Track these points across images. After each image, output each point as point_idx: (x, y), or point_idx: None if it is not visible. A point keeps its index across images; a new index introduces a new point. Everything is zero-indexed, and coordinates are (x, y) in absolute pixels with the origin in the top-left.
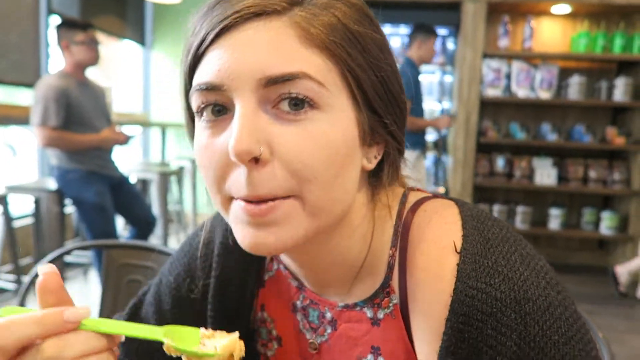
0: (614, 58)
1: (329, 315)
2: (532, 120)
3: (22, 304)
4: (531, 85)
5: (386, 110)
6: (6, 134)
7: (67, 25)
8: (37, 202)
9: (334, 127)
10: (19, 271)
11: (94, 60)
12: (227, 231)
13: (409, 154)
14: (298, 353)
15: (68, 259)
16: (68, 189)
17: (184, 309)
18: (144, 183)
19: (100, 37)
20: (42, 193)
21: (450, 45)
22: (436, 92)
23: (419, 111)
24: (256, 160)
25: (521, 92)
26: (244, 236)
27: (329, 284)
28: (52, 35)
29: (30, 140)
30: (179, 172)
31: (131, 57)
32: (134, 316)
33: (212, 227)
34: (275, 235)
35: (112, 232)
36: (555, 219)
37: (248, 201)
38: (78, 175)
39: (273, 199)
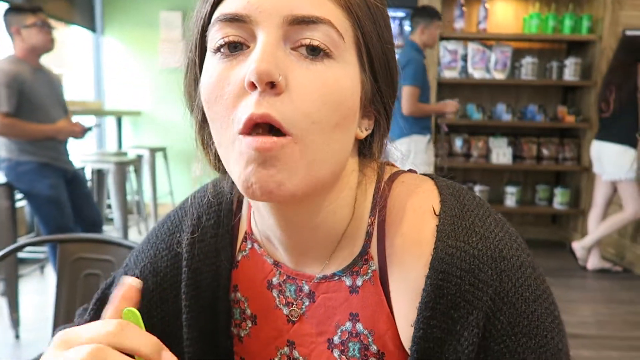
0: (564, 39)
1: (306, 288)
2: (488, 101)
3: None
4: (486, 66)
5: (384, 82)
6: None
7: (15, 10)
8: None
9: (344, 78)
10: None
11: (49, 44)
12: (198, 218)
13: (421, 139)
14: (274, 328)
15: (22, 255)
16: (20, 182)
17: (151, 302)
18: (100, 174)
19: (49, 22)
20: None
21: (408, 27)
22: None
23: (425, 97)
24: (272, 85)
25: (477, 73)
26: (251, 173)
27: (309, 253)
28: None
29: None
30: (137, 162)
31: (81, 44)
32: (100, 312)
33: (179, 218)
34: (279, 177)
35: (68, 226)
36: (511, 196)
37: (253, 136)
38: (30, 167)
39: (275, 134)
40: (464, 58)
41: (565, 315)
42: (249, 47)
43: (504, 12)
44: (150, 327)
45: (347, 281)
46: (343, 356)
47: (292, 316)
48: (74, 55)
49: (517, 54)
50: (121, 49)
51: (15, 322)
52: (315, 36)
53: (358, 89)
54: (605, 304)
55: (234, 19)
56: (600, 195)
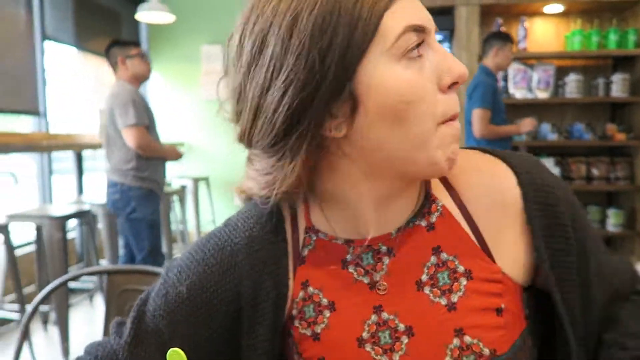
0: (609, 54)
1: (383, 248)
2: None
3: (25, 332)
4: (528, 85)
5: None
6: (7, 162)
7: (119, 43)
8: (38, 229)
9: None
10: (23, 300)
11: (148, 72)
12: (251, 229)
13: None
14: (357, 303)
15: (73, 285)
16: (127, 206)
17: (198, 320)
18: None
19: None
20: (44, 220)
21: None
22: None
23: (500, 119)
24: None
25: (519, 93)
26: (454, 152)
27: (390, 216)
28: (48, 61)
29: (30, 168)
30: (181, 192)
31: None
32: (139, 331)
33: (226, 233)
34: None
35: (160, 248)
36: None
37: (451, 120)
38: (140, 193)
39: None
40: (505, 78)
41: None
42: (420, 54)
43: (543, 30)
44: (194, 346)
45: (422, 223)
46: (435, 289)
47: (374, 280)
48: None
49: (561, 72)
50: (165, 82)
51: (65, 351)
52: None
53: None
54: None
55: (420, 30)
56: None
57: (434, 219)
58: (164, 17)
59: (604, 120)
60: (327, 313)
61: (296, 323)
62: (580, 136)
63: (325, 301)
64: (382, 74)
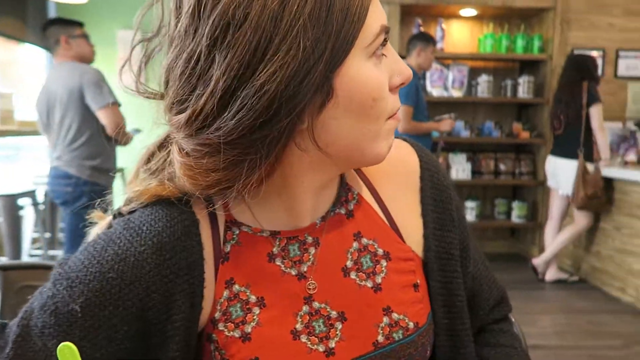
0: (517, 58)
1: (310, 239)
2: None
3: None
4: (444, 84)
5: None
6: None
7: (59, 22)
8: None
9: None
10: None
11: (93, 55)
12: (159, 234)
13: None
14: (287, 296)
15: None
16: (77, 200)
17: (94, 342)
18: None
19: None
20: None
21: None
22: None
23: (422, 116)
24: None
25: (436, 91)
26: (389, 143)
27: (315, 206)
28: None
29: None
30: None
31: (34, 62)
32: (21, 352)
33: (127, 240)
34: None
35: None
36: (471, 210)
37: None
38: (96, 189)
39: None
40: (423, 77)
41: (525, 327)
42: (383, 53)
43: (459, 32)
44: None
45: (342, 210)
46: (360, 273)
47: (302, 271)
48: (26, 74)
49: (473, 73)
50: None
51: None
52: None
53: None
54: (563, 314)
55: (387, 31)
56: (556, 208)
57: (351, 206)
58: None
59: (511, 119)
60: (256, 310)
61: (220, 327)
62: (490, 133)
63: (253, 298)
64: (359, 69)
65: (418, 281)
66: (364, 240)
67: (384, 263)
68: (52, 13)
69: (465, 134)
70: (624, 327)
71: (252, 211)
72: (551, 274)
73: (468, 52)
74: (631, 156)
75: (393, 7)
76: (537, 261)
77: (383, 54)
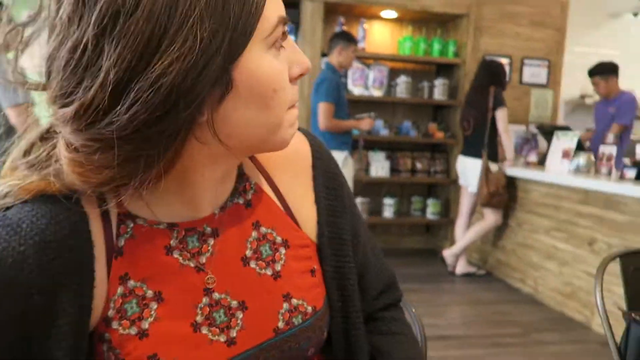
0: (433, 61)
1: (209, 229)
2: None
3: None
4: (365, 83)
5: None
6: None
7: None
8: None
9: None
10: None
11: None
12: (42, 233)
13: (337, 154)
14: (187, 289)
15: None
16: None
17: None
18: None
19: None
20: None
21: None
22: None
23: (343, 114)
24: None
25: (357, 90)
26: (293, 131)
27: (210, 197)
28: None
29: None
30: None
31: None
32: None
33: (8, 242)
34: None
35: None
36: (389, 207)
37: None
38: None
39: None
40: (345, 75)
41: (435, 319)
42: (282, 44)
43: (380, 33)
44: None
45: (240, 200)
46: (260, 262)
47: (201, 263)
48: None
49: (393, 74)
50: None
51: None
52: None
53: None
54: (471, 306)
55: (285, 22)
56: (465, 205)
57: (249, 196)
58: None
59: (427, 120)
60: (154, 305)
61: (114, 325)
62: (408, 133)
63: (150, 293)
64: (259, 61)
65: (315, 267)
66: (263, 229)
67: (282, 251)
68: None
69: (384, 132)
70: (524, 316)
71: (147, 204)
72: (461, 268)
73: (388, 53)
74: (532, 157)
75: (317, 5)
76: (447, 253)
77: (282, 46)
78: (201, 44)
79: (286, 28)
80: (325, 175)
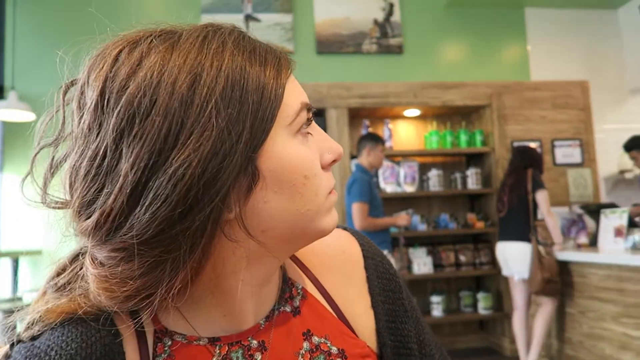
0: (462, 152)
1: (254, 343)
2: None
3: None
4: (397, 180)
5: None
6: None
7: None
8: None
9: None
10: None
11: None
12: (75, 356)
13: None
14: None
15: None
16: None
17: None
18: None
19: None
20: None
21: None
22: None
23: (377, 212)
24: None
25: (389, 187)
26: (334, 218)
27: (252, 306)
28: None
29: None
30: None
31: None
32: None
33: None
34: None
35: None
36: (437, 305)
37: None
38: None
39: None
40: (376, 174)
41: None
42: (309, 131)
43: (405, 131)
44: None
45: (287, 308)
46: None
47: None
48: None
49: (424, 168)
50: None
51: None
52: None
53: None
54: None
55: (310, 108)
56: (518, 296)
57: (297, 302)
58: (22, 115)
59: (464, 210)
60: None
61: None
62: (446, 225)
63: None
64: (284, 148)
65: None
66: (315, 339)
67: None
68: None
69: (422, 227)
70: None
71: (185, 317)
72: None
73: (416, 149)
74: (582, 239)
75: (341, 111)
76: None
77: (309, 133)
78: (220, 133)
79: (311, 115)
80: (380, 277)
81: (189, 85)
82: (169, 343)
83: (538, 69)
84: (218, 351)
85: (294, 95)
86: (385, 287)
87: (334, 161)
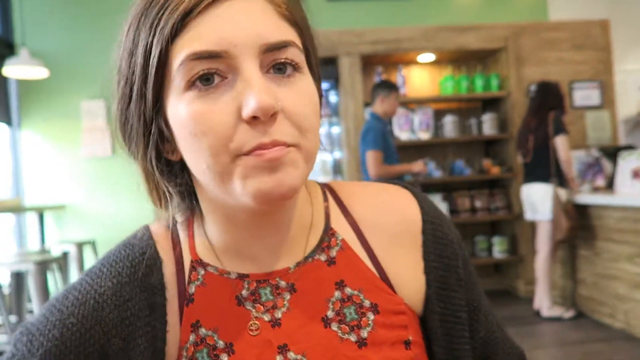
0: (478, 97)
1: (282, 283)
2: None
3: None
4: (411, 127)
5: (319, 80)
6: None
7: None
8: None
9: (311, 85)
10: None
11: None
12: (118, 275)
13: None
14: (259, 344)
15: None
16: None
17: None
18: (20, 277)
19: None
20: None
21: (333, 97)
22: (325, 143)
23: (392, 160)
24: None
25: (403, 135)
26: (262, 184)
27: (282, 249)
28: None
29: None
30: (62, 259)
31: None
32: None
33: (88, 284)
34: (289, 176)
35: None
36: None
37: (261, 149)
38: None
39: (280, 145)
40: (390, 122)
41: None
42: (226, 77)
43: (420, 77)
44: None
45: (322, 257)
46: (343, 325)
47: (276, 318)
48: None
49: (438, 114)
50: (40, 142)
51: None
52: (288, 56)
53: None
54: (558, 348)
55: (209, 56)
56: (542, 239)
57: (334, 253)
58: (36, 72)
59: (480, 156)
60: (224, 357)
61: None
62: (462, 172)
63: (221, 344)
64: (173, 106)
65: (410, 338)
66: (348, 290)
67: (370, 316)
68: (12, 88)
69: (437, 174)
70: (619, 355)
71: (216, 253)
72: (547, 311)
73: (430, 95)
74: (599, 181)
75: (353, 58)
76: (536, 304)
77: (216, 84)
78: (122, 96)
79: (239, 60)
80: (437, 242)
81: (117, 57)
82: (202, 272)
83: (556, 9)
84: (247, 285)
85: (184, 46)
86: (441, 253)
87: (254, 117)
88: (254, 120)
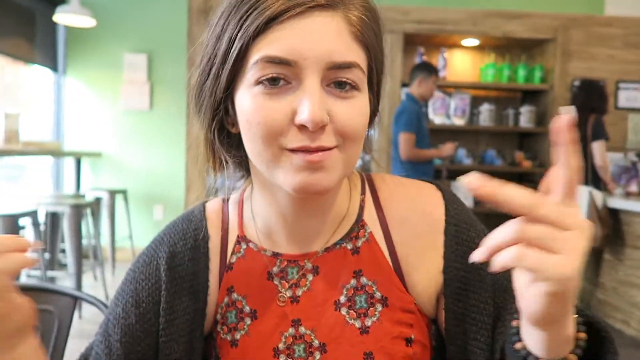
0: (518, 87)
1: (309, 265)
2: None
3: None
4: (447, 112)
5: (378, 99)
6: None
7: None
8: None
9: (365, 103)
10: None
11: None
12: (174, 244)
13: None
14: (277, 315)
15: None
16: None
17: (134, 337)
18: (55, 217)
19: (5, 61)
20: None
21: None
22: None
23: (424, 143)
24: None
25: (438, 119)
26: (301, 179)
27: (314, 234)
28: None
29: None
30: (95, 204)
31: (42, 83)
32: None
33: (154, 248)
34: (325, 178)
35: None
36: None
37: (307, 152)
38: None
39: (324, 150)
40: (425, 105)
41: None
42: (290, 83)
43: (461, 61)
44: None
45: (349, 245)
46: (351, 311)
47: (296, 295)
48: (34, 95)
49: (476, 102)
50: (83, 90)
51: None
52: (349, 77)
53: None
54: None
55: (280, 62)
56: None
57: (359, 243)
58: (84, 21)
59: (512, 148)
60: (247, 320)
61: (219, 328)
62: (492, 162)
63: (247, 309)
64: (241, 94)
65: (413, 336)
66: (363, 280)
67: (379, 307)
68: (61, 35)
69: (467, 161)
70: None
71: (257, 232)
72: None
73: (470, 81)
74: (633, 187)
75: (396, 36)
76: None
77: (281, 87)
78: (201, 73)
79: (304, 71)
80: (461, 243)
81: (206, 36)
82: (245, 247)
83: (613, 3)
84: (278, 263)
85: (263, 47)
86: (464, 254)
87: (302, 125)
88: (303, 127)
